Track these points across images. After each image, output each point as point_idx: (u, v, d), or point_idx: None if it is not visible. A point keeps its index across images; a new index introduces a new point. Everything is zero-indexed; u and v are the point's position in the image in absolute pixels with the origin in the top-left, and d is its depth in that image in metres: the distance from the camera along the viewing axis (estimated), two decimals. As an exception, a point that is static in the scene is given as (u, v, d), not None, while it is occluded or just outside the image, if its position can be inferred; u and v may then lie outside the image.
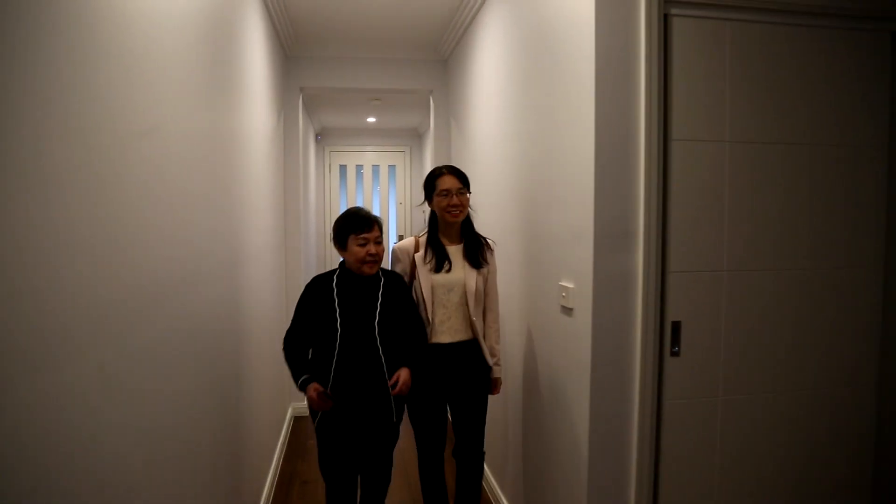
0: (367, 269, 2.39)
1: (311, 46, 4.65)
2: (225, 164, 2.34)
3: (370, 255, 2.37)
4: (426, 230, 2.66)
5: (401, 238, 8.82)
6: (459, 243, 2.65)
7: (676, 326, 2.10)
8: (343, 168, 8.66)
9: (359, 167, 8.72)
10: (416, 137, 8.65)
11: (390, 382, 2.38)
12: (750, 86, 2.12)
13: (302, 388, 2.35)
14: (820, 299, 2.22)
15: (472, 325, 2.61)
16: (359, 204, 8.70)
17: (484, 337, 2.65)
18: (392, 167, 8.77)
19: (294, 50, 4.65)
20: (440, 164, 2.73)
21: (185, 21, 1.78)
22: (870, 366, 2.27)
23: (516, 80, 2.94)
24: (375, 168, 8.75)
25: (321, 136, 8.49)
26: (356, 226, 2.38)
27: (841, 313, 2.24)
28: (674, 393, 2.11)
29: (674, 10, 2.05)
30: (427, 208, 2.70)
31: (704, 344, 2.13)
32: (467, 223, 2.65)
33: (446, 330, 2.59)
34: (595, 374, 2.09)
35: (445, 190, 2.56)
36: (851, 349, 2.25)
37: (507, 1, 3.06)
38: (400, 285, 2.52)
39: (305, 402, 2.39)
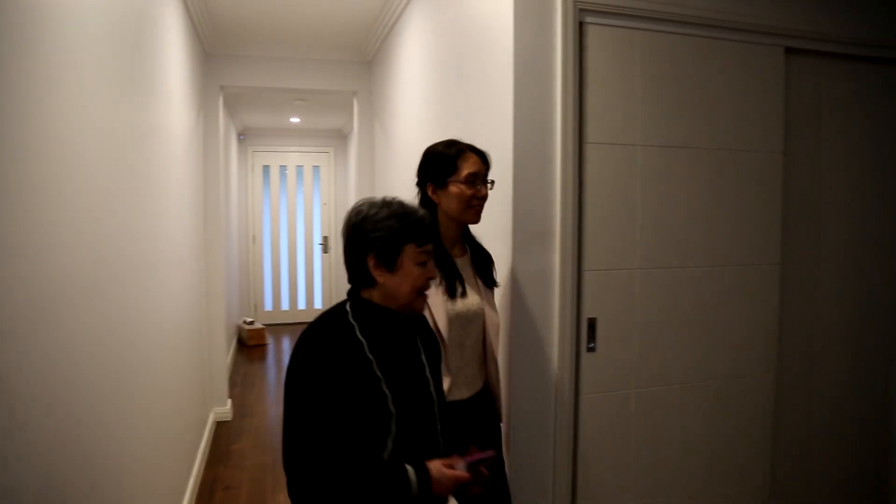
0: (419, 305, 1.51)
1: (232, 44, 4.55)
2: (137, 163, 2.26)
3: (431, 279, 1.49)
4: None
5: (326, 242, 8.67)
6: (465, 254, 1.93)
7: (592, 323, 2.18)
8: (266, 168, 8.50)
9: (282, 167, 8.57)
10: (340, 138, 8.58)
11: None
12: (659, 93, 2.23)
13: (422, 484, 1.34)
14: (725, 295, 2.36)
15: (486, 369, 1.93)
16: (283, 204, 8.52)
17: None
18: (316, 168, 8.67)
19: (214, 47, 4.54)
20: (445, 139, 1.91)
21: (95, 12, 1.72)
22: (769, 357, 2.43)
23: (438, 83, 2.97)
24: (299, 168, 8.62)
25: (244, 136, 8.30)
26: (418, 231, 1.42)
27: (744, 308, 2.39)
28: (590, 387, 2.19)
29: (588, 19, 2.13)
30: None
31: (619, 339, 2.22)
32: (466, 227, 1.94)
33: (464, 380, 1.83)
34: (513, 371, 2.14)
35: (472, 175, 1.80)
36: (754, 342, 2.41)
37: (430, 5, 3.10)
38: (428, 327, 1.68)
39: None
